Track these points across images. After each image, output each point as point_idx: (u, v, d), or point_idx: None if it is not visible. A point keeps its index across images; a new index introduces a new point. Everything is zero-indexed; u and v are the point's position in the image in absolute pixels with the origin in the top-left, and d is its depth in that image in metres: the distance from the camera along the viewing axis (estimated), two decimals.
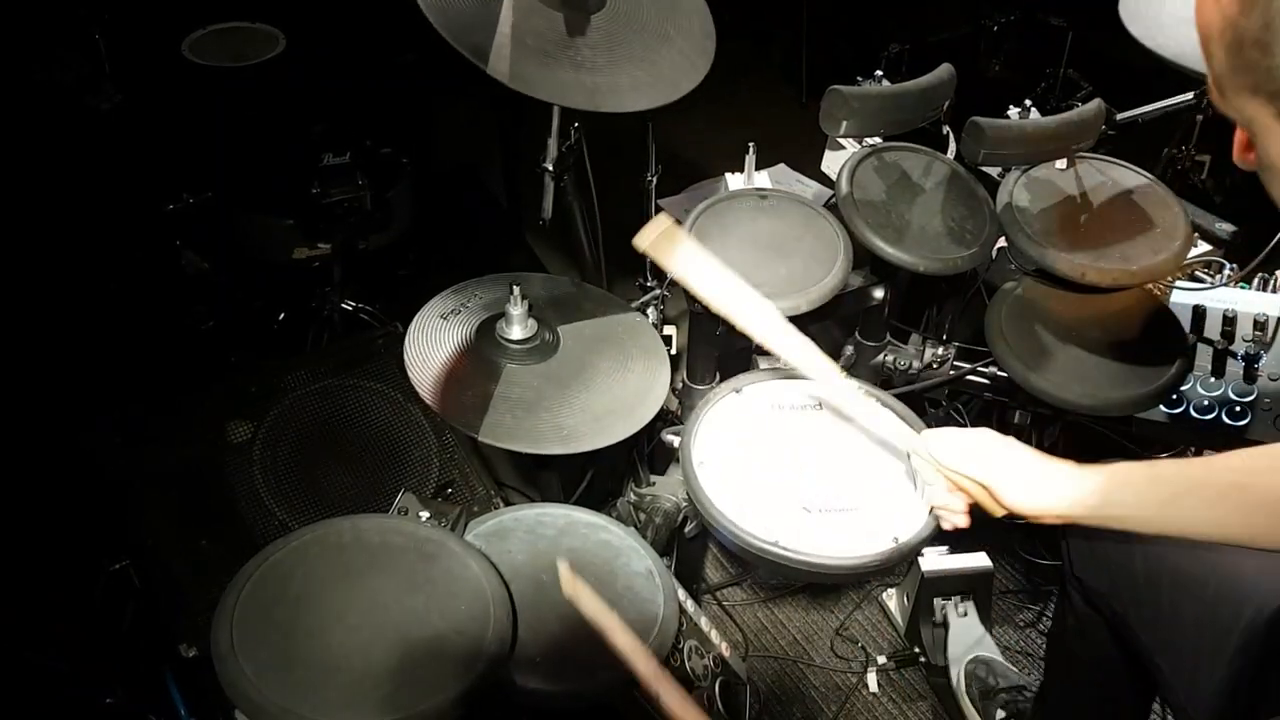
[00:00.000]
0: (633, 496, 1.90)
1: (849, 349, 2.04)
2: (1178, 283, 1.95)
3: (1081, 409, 1.73)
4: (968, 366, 2.00)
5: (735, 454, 1.51)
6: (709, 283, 1.28)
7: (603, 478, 2.04)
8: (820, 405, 1.60)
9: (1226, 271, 1.97)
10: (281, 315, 2.50)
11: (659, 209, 2.26)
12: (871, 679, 2.02)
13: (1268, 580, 1.24)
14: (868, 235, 1.79)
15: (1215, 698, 1.25)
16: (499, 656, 1.24)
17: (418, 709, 1.16)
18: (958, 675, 1.91)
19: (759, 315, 1.28)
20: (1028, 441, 2.05)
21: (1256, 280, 1.96)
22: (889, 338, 2.03)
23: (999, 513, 1.21)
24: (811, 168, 2.48)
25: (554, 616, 1.37)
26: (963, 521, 1.25)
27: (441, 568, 1.33)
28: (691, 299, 1.84)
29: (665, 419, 1.91)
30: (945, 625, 1.96)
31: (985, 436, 1.23)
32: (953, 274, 1.86)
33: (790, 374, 1.67)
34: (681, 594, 1.52)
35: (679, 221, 1.31)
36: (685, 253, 1.26)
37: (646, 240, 1.23)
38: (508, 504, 1.88)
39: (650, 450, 1.92)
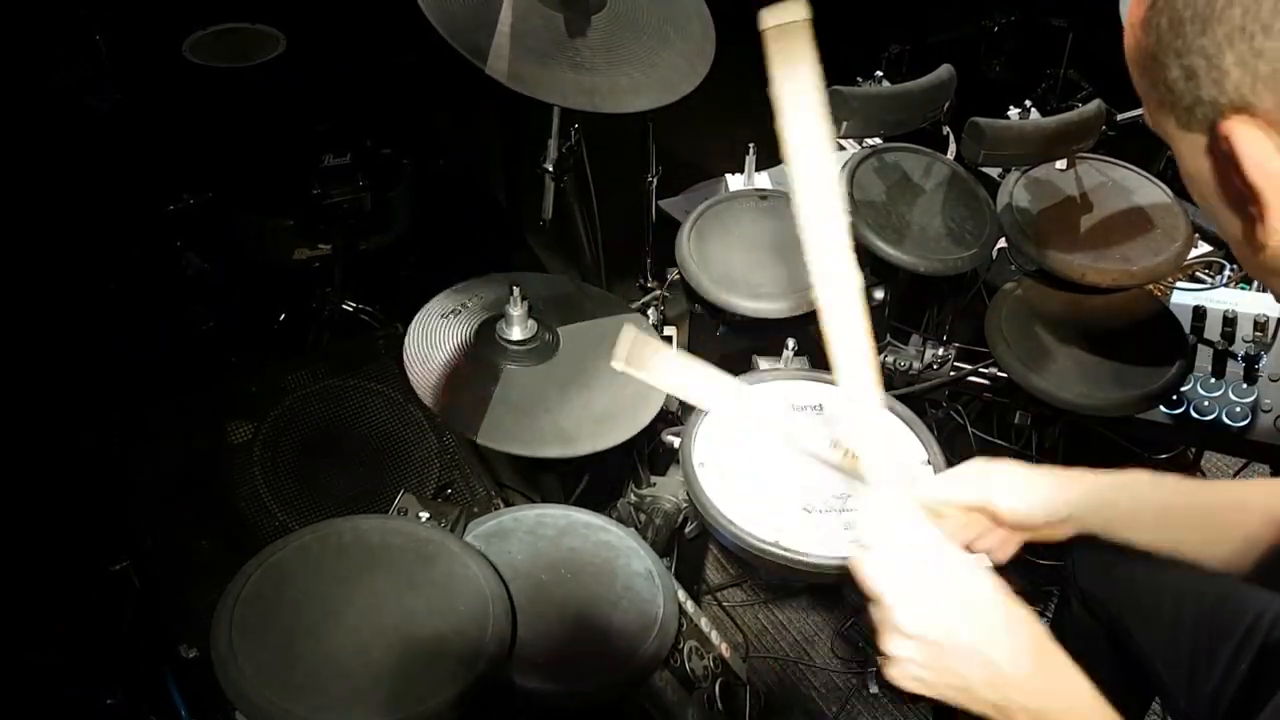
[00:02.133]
0: (633, 497, 1.89)
1: None
2: (1178, 283, 1.95)
3: (1081, 410, 1.73)
4: (968, 367, 2.00)
5: (735, 454, 1.51)
6: (695, 381, 1.18)
7: (603, 478, 2.04)
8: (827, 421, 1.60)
9: (1227, 272, 1.97)
10: (282, 316, 2.50)
11: (659, 210, 2.26)
12: (872, 680, 2.02)
13: (1268, 585, 1.24)
14: (868, 236, 1.79)
15: (1214, 703, 1.24)
16: (498, 657, 1.24)
17: (417, 710, 1.16)
18: None
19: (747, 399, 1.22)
20: (1028, 442, 2.07)
21: (1256, 281, 1.96)
22: (889, 339, 2.03)
23: (1009, 542, 1.16)
24: None
25: (554, 617, 1.37)
26: (1001, 554, 1.17)
27: (441, 568, 1.33)
28: (692, 299, 1.84)
29: (665, 420, 1.91)
30: None
31: (973, 462, 1.18)
32: (953, 275, 1.86)
33: (790, 375, 1.67)
34: (682, 595, 1.52)
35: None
36: (663, 359, 1.16)
37: (622, 359, 1.15)
38: (508, 504, 1.88)
39: (650, 451, 1.92)
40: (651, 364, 1.15)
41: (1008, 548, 1.17)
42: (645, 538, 1.58)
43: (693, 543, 1.92)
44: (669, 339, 1.95)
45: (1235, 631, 1.23)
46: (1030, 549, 2.27)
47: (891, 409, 1.61)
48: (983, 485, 1.15)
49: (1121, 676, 1.47)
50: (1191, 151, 0.74)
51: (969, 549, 1.17)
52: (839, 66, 2.45)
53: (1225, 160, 0.70)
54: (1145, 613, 1.34)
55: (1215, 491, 1.13)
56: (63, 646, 1.80)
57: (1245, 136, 0.68)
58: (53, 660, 1.77)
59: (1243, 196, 0.70)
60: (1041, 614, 2.13)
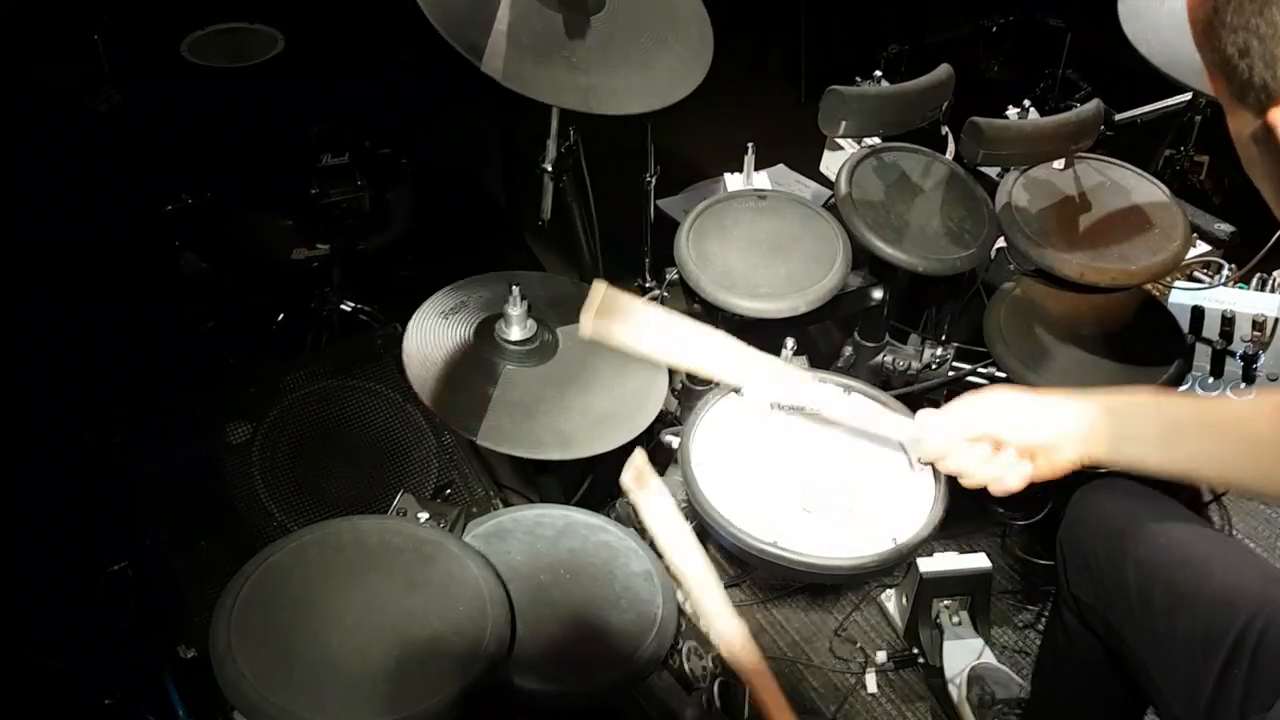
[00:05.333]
0: None
1: (848, 349, 2.05)
2: (1176, 283, 1.95)
3: None
4: (967, 367, 2.00)
5: (734, 455, 1.51)
6: (671, 341, 1.13)
7: (602, 479, 2.04)
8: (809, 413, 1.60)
9: (1225, 272, 1.97)
10: (281, 316, 2.50)
11: (658, 209, 2.26)
12: (870, 680, 2.02)
13: (1260, 590, 1.24)
14: (867, 236, 1.79)
15: (1206, 709, 1.24)
16: (497, 657, 1.24)
17: (416, 710, 1.16)
18: (960, 682, 1.91)
19: (727, 353, 1.18)
20: None
21: (1255, 280, 1.96)
22: (888, 338, 2.03)
23: (1013, 475, 1.12)
24: (810, 168, 2.48)
25: (553, 617, 1.37)
26: (1011, 483, 1.14)
27: (440, 569, 1.33)
28: (692, 299, 1.84)
29: (665, 420, 1.91)
30: (941, 632, 1.96)
31: (974, 395, 1.16)
32: (952, 274, 1.86)
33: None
34: (680, 595, 1.52)
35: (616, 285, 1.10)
36: (636, 318, 1.07)
37: (589, 323, 1.08)
38: (507, 505, 1.88)
39: (650, 451, 1.92)
40: (626, 326, 1.04)
41: (1018, 472, 1.14)
42: (644, 538, 1.58)
43: None
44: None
45: (1227, 639, 1.23)
46: (1029, 549, 2.28)
47: (891, 407, 1.61)
48: (986, 414, 1.14)
49: (1117, 687, 1.47)
50: (1241, 126, 0.73)
51: (980, 474, 1.16)
52: (838, 66, 2.46)
53: (1269, 148, 0.69)
54: (1139, 621, 1.34)
55: (1223, 405, 1.12)
56: (63, 646, 1.80)
57: None
58: (52, 660, 1.77)
59: None
60: (1040, 615, 2.13)
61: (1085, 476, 1.46)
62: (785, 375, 1.23)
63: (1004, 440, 1.13)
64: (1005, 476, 1.15)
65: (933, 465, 1.29)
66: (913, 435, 1.24)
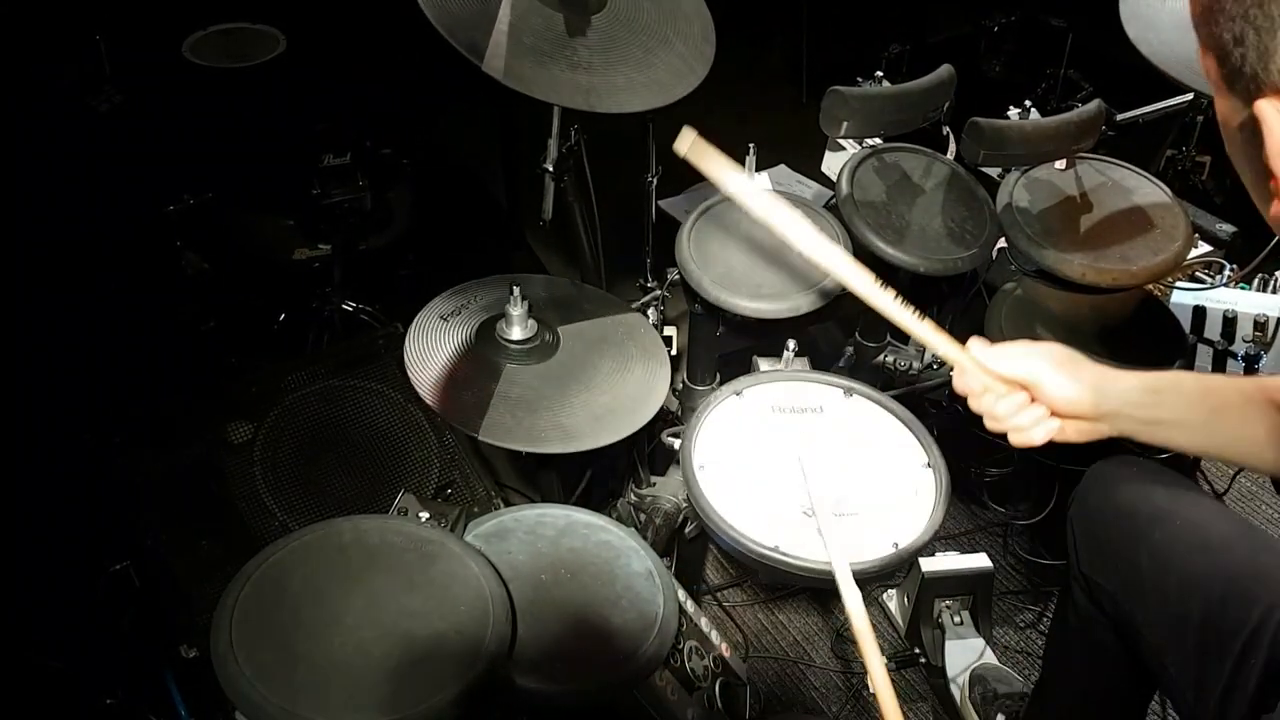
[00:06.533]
0: (633, 497, 1.89)
1: (849, 350, 2.05)
2: (1178, 283, 1.95)
3: None
4: None
5: (735, 457, 1.51)
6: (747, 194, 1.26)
7: (603, 478, 2.04)
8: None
9: (1227, 272, 1.97)
10: (282, 316, 2.50)
11: (659, 209, 2.26)
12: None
13: (1277, 580, 1.22)
14: (868, 236, 1.79)
15: (1220, 698, 1.23)
16: (498, 657, 1.24)
17: (417, 710, 1.16)
18: (962, 680, 1.90)
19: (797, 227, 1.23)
20: None
21: (1256, 281, 1.96)
22: (889, 338, 2.03)
23: (1039, 430, 1.13)
24: (812, 169, 2.49)
25: (554, 617, 1.37)
26: (1035, 437, 1.15)
27: (441, 568, 1.33)
28: (692, 299, 1.84)
29: (666, 420, 1.91)
30: (942, 632, 1.96)
31: (1025, 342, 1.17)
32: (953, 275, 1.86)
33: (790, 377, 1.67)
34: (682, 595, 1.52)
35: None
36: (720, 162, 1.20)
37: (685, 145, 1.20)
38: (508, 504, 1.88)
39: (651, 450, 1.92)
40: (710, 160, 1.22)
41: (1044, 428, 1.15)
42: (645, 538, 1.58)
43: (693, 543, 1.92)
44: (669, 340, 1.95)
45: (1244, 627, 1.20)
46: (1031, 549, 2.28)
47: (892, 409, 1.61)
48: (1033, 363, 1.14)
49: (1124, 669, 1.46)
50: (1227, 110, 0.74)
51: (1007, 422, 1.17)
52: (839, 67, 2.46)
53: (1253, 137, 0.69)
54: (1151, 606, 1.32)
55: (1267, 390, 1.11)
56: (63, 646, 1.80)
57: (1275, 121, 0.67)
58: (52, 660, 1.77)
59: (1266, 171, 0.70)
60: (1042, 615, 2.13)
61: (1097, 457, 1.45)
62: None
63: (1041, 393, 1.13)
64: (1031, 430, 1.14)
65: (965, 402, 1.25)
66: (956, 359, 1.21)
